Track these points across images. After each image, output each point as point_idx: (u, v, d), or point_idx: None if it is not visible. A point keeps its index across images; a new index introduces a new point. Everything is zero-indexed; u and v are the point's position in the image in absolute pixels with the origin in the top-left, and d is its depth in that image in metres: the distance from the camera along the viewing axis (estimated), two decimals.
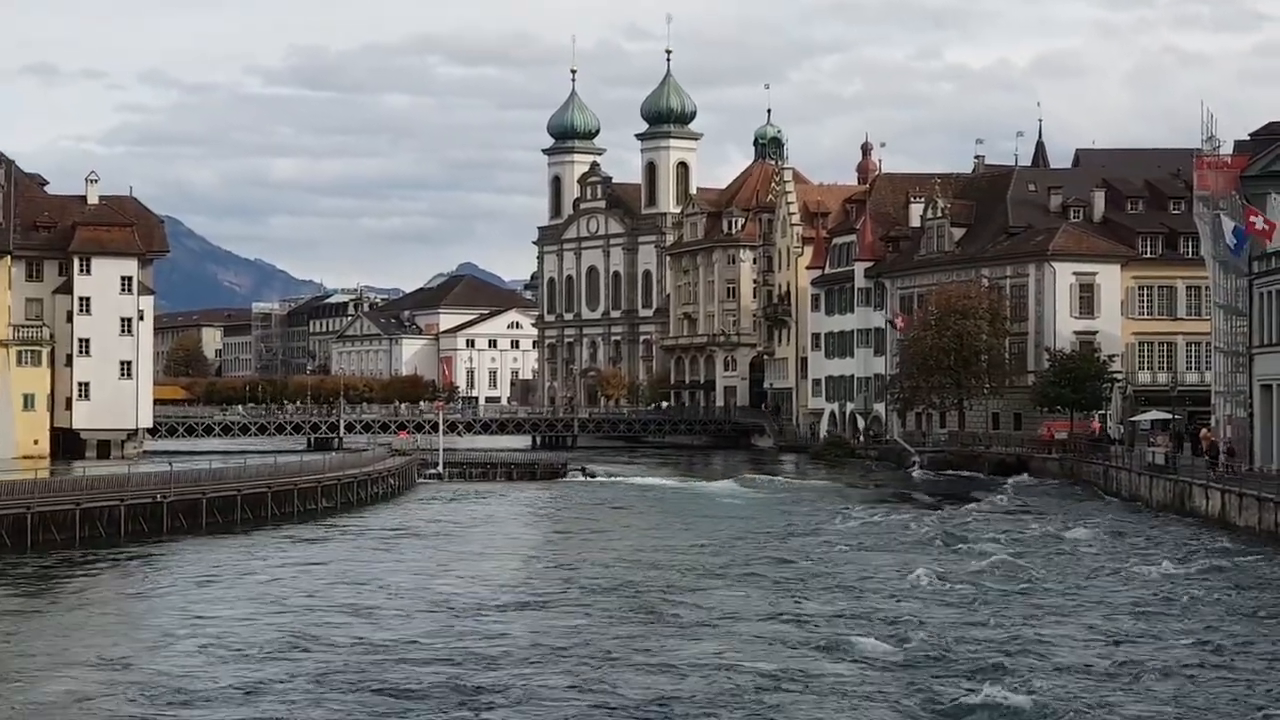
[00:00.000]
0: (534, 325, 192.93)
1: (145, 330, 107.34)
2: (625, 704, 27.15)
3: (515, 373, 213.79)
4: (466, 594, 40.85)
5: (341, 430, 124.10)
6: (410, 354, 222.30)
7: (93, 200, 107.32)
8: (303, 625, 35.56)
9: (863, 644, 32.10)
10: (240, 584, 43.19)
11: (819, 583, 42.38)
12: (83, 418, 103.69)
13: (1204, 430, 74.05)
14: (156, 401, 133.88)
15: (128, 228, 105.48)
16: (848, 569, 45.50)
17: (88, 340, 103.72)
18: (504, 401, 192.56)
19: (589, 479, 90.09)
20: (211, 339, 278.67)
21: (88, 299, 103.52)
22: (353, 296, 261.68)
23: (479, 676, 29.43)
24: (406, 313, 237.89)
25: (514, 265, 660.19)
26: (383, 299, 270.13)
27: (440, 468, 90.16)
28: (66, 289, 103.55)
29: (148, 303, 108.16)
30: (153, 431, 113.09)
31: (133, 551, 50.81)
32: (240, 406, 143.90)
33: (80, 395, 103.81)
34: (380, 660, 31.18)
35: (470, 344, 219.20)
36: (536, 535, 60.74)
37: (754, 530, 57.85)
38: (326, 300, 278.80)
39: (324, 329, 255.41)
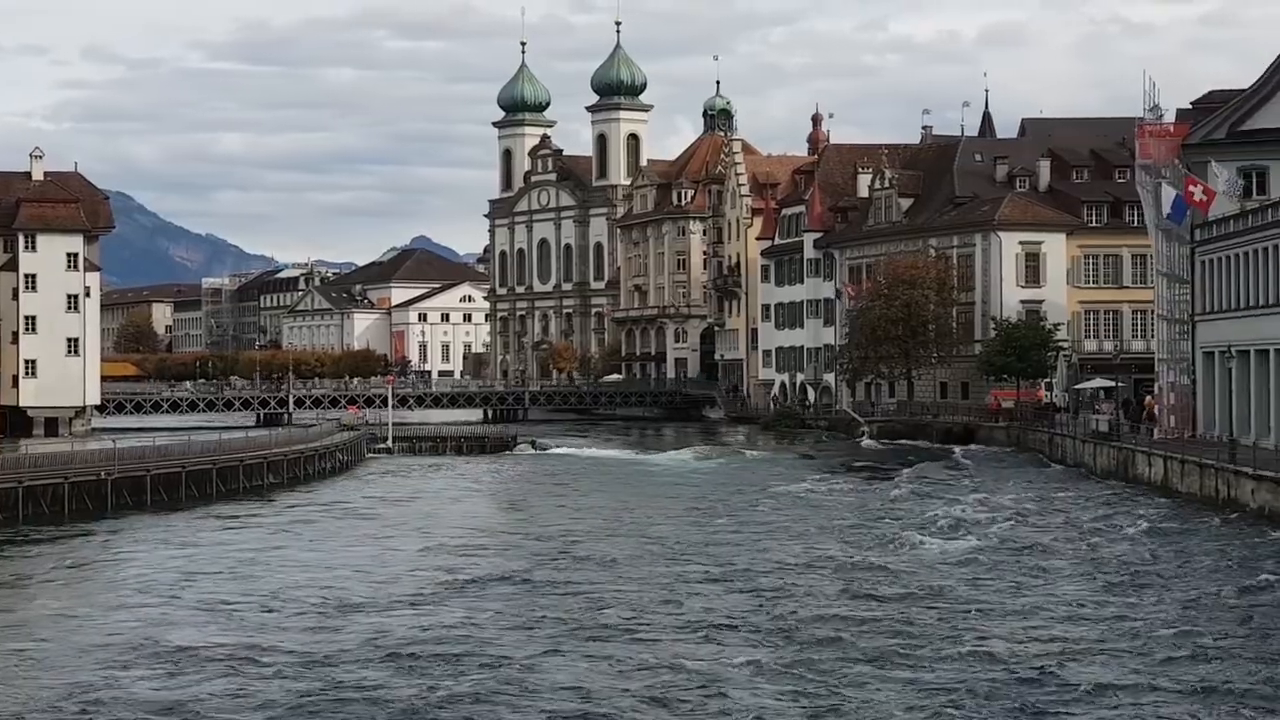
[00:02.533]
0: (486, 299, 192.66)
1: (92, 307, 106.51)
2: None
3: (468, 346, 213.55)
4: (365, 579, 39.27)
5: (291, 406, 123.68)
6: (362, 328, 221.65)
7: (37, 176, 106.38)
8: (223, 605, 35.36)
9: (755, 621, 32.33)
10: (171, 562, 42.83)
11: (741, 559, 42.61)
12: (30, 395, 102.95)
13: (1148, 398, 74.73)
14: (107, 378, 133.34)
15: (73, 204, 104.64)
16: (773, 545, 45.66)
17: (34, 317, 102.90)
18: (457, 375, 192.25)
19: (539, 452, 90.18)
20: (162, 315, 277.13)
21: (33, 276, 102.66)
22: (303, 271, 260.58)
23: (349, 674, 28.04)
24: (358, 287, 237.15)
25: (468, 238, 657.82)
26: (334, 273, 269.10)
27: (389, 442, 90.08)
28: (12, 266, 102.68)
29: (94, 279, 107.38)
30: (101, 409, 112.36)
31: (77, 529, 50.62)
32: (188, 383, 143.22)
33: (27, 373, 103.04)
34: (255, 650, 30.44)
35: (422, 318, 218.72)
36: (471, 510, 58.99)
37: (681, 506, 57.43)
38: (277, 275, 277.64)
39: (275, 304, 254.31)
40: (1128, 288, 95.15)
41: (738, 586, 36.58)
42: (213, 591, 37.38)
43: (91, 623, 33.56)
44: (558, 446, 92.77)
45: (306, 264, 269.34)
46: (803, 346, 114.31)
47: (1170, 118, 71.56)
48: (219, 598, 36.38)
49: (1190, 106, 73.82)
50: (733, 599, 34.91)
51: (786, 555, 41.86)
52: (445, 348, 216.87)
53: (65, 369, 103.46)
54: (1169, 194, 66.11)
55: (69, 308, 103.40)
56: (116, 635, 31.77)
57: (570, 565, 40.89)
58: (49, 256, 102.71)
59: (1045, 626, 31.32)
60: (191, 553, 45.06)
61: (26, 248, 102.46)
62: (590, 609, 33.69)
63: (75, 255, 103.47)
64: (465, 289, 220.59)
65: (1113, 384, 79.10)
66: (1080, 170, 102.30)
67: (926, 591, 35.50)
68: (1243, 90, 69.99)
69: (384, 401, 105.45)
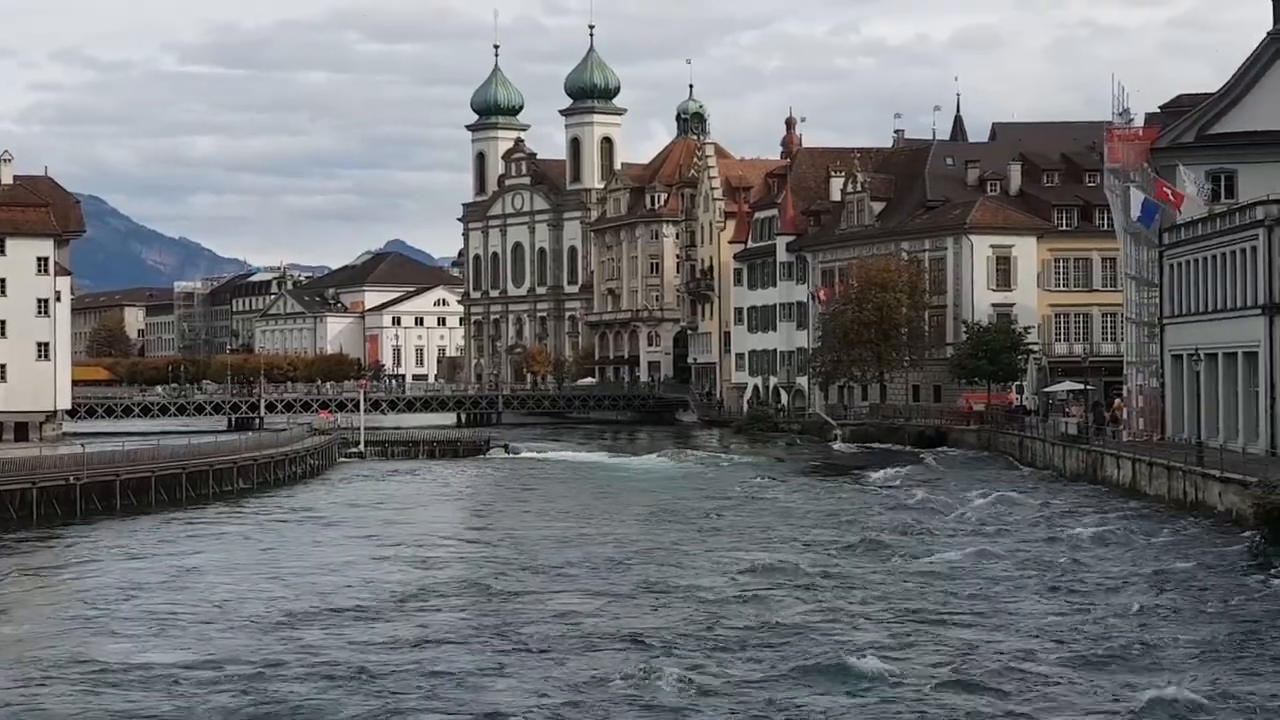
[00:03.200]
0: (460, 302, 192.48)
1: (63, 311, 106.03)
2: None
3: (442, 350, 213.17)
4: (313, 589, 38.58)
5: (262, 410, 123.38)
6: (335, 332, 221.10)
7: (6, 180, 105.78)
8: (167, 616, 35.01)
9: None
10: (124, 571, 42.38)
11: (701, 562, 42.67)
12: None
13: (1117, 400, 75.01)
14: (79, 382, 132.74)
15: (43, 208, 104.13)
16: (735, 553, 45.74)
17: (4, 322, 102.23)
18: (431, 379, 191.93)
19: (511, 455, 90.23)
20: (134, 319, 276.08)
21: (3, 280, 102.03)
22: (276, 275, 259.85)
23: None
24: (331, 290, 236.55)
25: (443, 242, 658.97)
26: (307, 277, 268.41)
27: (361, 446, 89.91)
28: None
29: (64, 283, 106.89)
30: (72, 413, 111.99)
31: (44, 534, 50.41)
32: (160, 387, 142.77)
33: None
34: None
35: (396, 321, 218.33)
36: (434, 516, 58.02)
37: (646, 511, 57.22)
38: (250, 279, 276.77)
39: (247, 308, 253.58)
40: (1097, 291, 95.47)
41: (691, 596, 35.93)
42: (158, 602, 36.83)
43: (35, 633, 33.38)
44: (530, 450, 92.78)
45: (279, 267, 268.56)
46: (776, 350, 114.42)
47: (1141, 121, 71.91)
48: (164, 608, 35.89)
49: (1159, 110, 74.10)
50: (684, 609, 34.35)
51: (745, 562, 41.47)
52: (419, 351, 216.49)
53: (35, 373, 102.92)
54: (1137, 198, 66.37)
55: (39, 312, 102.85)
56: (53, 646, 31.49)
57: (525, 575, 39.98)
58: (18, 260, 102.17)
59: (1004, 634, 31.33)
60: (146, 561, 44.43)
61: None
62: (538, 621, 33.01)
63: (45, 259, 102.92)
64: (439, 293, 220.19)
65: (1081, 387, 79.40)
66: (1051, 174, 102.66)
67: (888, 600, 35.39)
68: (1211, 94, 70.30)
69: (356, 406, 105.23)
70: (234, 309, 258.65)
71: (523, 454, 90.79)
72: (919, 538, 46.65)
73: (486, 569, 41.70)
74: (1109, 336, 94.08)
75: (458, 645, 30.72)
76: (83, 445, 64.22)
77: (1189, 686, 25.81)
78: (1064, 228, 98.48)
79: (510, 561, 43.16)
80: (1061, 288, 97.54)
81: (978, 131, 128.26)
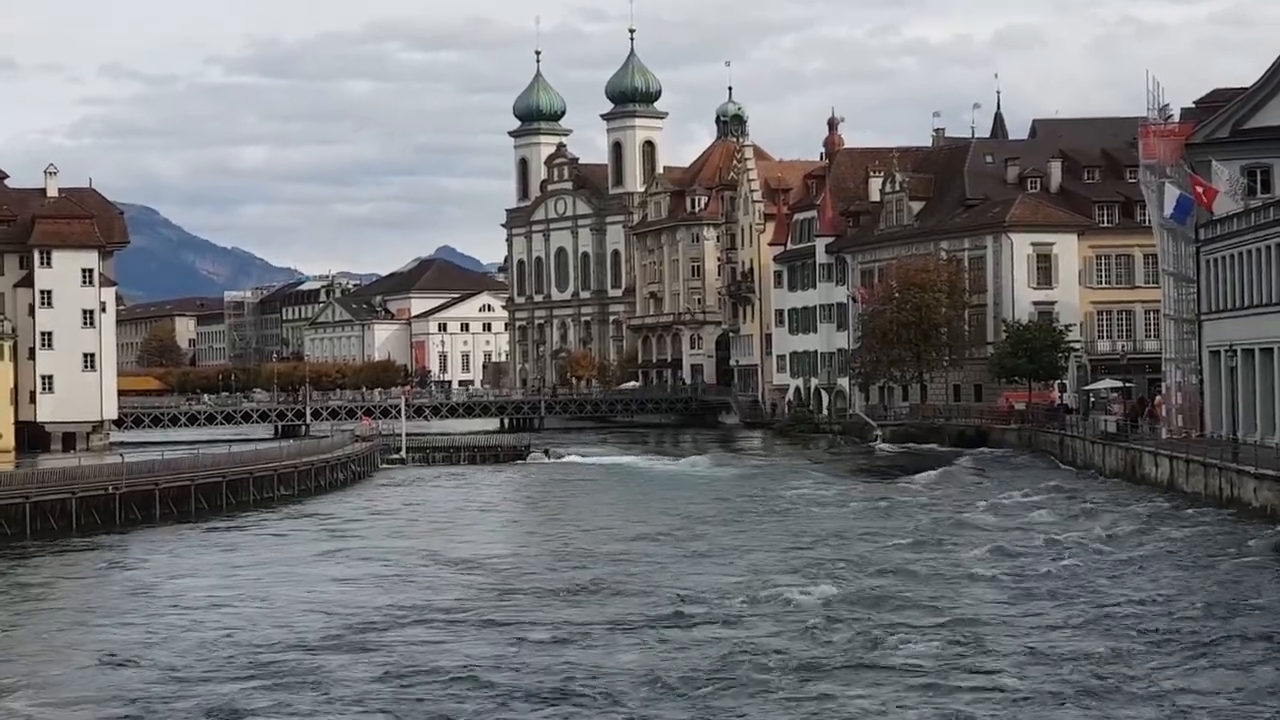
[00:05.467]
0: (505, 308, 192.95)
1: (108, 322, 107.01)
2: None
3: (488, 355, 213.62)
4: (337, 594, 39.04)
5: (308, 417, 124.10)
6: (382, 339, 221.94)
7: (52, 193, 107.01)
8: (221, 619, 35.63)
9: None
10: (160, 576, 43.05)
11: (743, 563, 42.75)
12: (47, 411, 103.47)
13: (1157, 398, 74.57)
14: (130, 392, 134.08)
15: (88, 220, 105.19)
16: (770, 557, 45.82)
17: (50, 333, 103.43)
18: (477, 385, 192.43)
19: (552, 460, 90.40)
20: (185, 329, 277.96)
21: (49, 292, 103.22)
22: (325, 283, 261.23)
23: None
24: (378, 298, 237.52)
25: (491, 248, 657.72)
26: (355, 285, 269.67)
27: (403, 452, 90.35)
28: (27, 282, 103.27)
29: (110, 294, 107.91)
30: (119, 423, 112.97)
31: (83, 544, 50.93)
32: (207, 396, 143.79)
33: (44, 388, 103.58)
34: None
35: (442, 328, 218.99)
36: (466, 525, 57.17)
37: (683, 516, 57.13)
38: (299, 287, 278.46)
39: (296, 316, 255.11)
40: (1140, 287, 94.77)
41: (724, 611, 34.90)
42: (191, 608, 37.42)
43: (69, 639, 33.89)
44: (571, 455, 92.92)
45: (328, 276, 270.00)
46: (816, 351, 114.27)
47: (1178, 117, 71.42)
48: (199, 613, 36.49)
49: (1194, 106, 73.61)
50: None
51: (778, 569, 41.38)
52: (465, 357, 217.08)
53: (82, 384, 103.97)
54: (1172, 193, 65.99)
55: (85, 323, 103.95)
56: (86, 651, 32.01)
57: (546, 593, 38.23)
58: (64, 272, 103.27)
59: (1046, 633, 31.36)
60: (181, 567, 45.33)
61: (42, 264, 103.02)
62: (555, 644, 31.59)
63: (90, 270, 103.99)
64: (485, 298, 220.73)
65: (1120, 384, 78.96)
66: (1091, 171, 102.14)
67: (932, 606, 34.95)
68: (1246, 89, 69.81)
69: (399, 412, 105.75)
70: (283, 317, 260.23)
71: (564, 458, 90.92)
72: (958, 539, 46.55)
73: (507, 583, 40.69)
74: (1152, 333, 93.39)
75: (475, 666, 29.75)
76: (121, 455, 64.85)
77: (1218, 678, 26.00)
78: (1105, 224, 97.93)
79: (533, 576, 42.52)
80: (1103, 285, 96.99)
81: (1018, 129, 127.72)
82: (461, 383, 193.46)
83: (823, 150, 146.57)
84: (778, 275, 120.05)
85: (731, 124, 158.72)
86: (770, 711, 25.26)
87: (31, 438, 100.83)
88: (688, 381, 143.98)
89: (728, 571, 40.15)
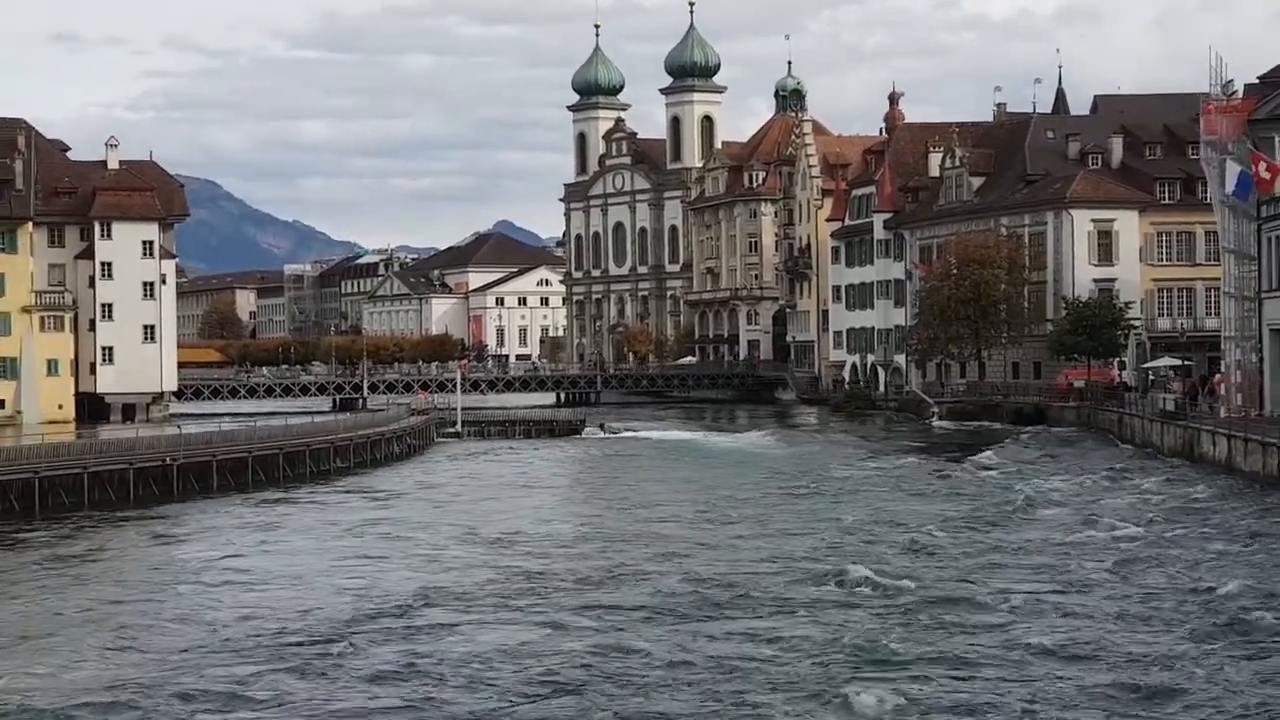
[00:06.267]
0: (562, 282, 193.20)
1: (168, 294, 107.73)
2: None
3: (545, 330, 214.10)
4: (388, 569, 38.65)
5: (365, 390, 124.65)
6: (440, 313, 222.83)
7: (113, 165, 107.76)
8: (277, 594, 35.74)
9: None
10: (195, 551, 43.14)
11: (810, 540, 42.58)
12: (107, 382, 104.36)
13: (1217, 376, 73.80)
14: (190, 364, 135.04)
15: (148, 192, 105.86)
16: (847, 523, 45.64)
17: (110, 305, 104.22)
18: (534, 359, 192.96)
19: (607, 435, 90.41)
20: (246, 301, 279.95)
21: (109, 264, 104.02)
22: (383, 257, 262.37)
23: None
24: (436, 272, 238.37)
25: (550, 222, 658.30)
26: (413, 258, 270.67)
27: (459, 426, 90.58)
28: (88, 254, 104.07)
29: (170, 266, 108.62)
30: (179, 394, 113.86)
31: (137, 515, 51.25)
32: (265, 368, 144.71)
33: (104, 360, 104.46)
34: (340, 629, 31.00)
35: (500, 302, 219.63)
36: (510, 499, 56.56)
37: (735, 492, 57.27)
38: (357, 261, 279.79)
39: (355, 289, 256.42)
40: (1201, 265, 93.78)
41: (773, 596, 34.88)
42: (245, 579, 37.52)
43: (128, 606, 34.15)
44: (626, 430, 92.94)
45: (387, 249, 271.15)
46: (873, 327, 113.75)
47: (1242, 93, 70.49)
48: (251, 584, 36.70)
49: (1257, 81, 72.65)
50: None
51: (828, 552, 41.01)
52: (522, 332, 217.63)
53: (142, 356, 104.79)
54: (1233, 170, 65.13)
55: (145, 295, 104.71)
56: (145, 620, 32.28)
57: (581, 576, 36.82)
58: (124, 244, 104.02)
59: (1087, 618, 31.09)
60: (235, 539, 45.39)
61: (103, 236, 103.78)
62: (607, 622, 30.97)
63: (150, 243, 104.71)
64: (542, 273, 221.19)
65: (1178, 362, 78.22)
66: (1153, 146, 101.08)
67: (997, 593, 34.35)
68: None
69: (455, 385, 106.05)
70: (342, 291, 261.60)
71: (619, 434, 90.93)
72: (1015, 519, 46.27)
73: (548, 561, 40.03)
74: (1213, 311, 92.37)
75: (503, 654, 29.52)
76: (179, 426, 65.27)
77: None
78: (1166, 201, 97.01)
79: (585, 548, 42.78)
80: (1164, 262, 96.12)
81: (1079, 105, 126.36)
82: (519, 357, 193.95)
83: (882, 125, 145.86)
84: (835, 251, 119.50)
85: (790, 98, 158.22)
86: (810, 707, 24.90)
87: (92, 409, 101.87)
88: (744, 357, 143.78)
89: (777, 554, 39.50)
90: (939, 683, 25.23)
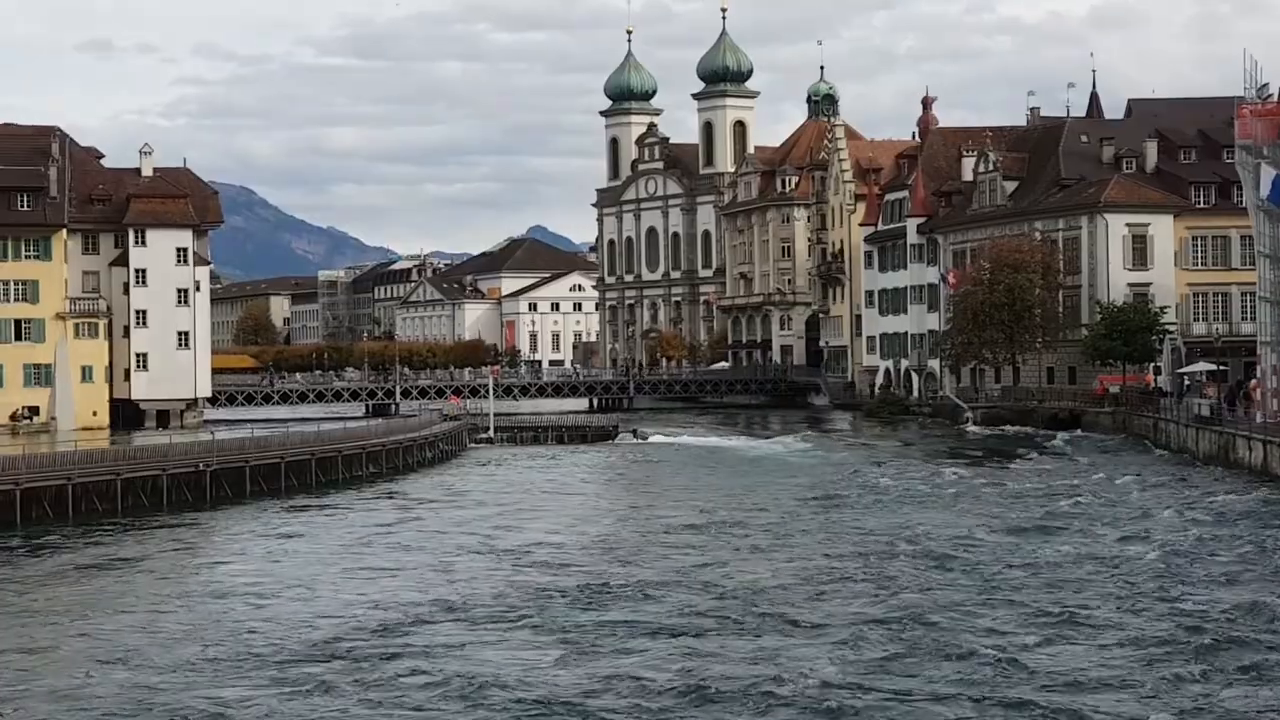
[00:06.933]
0: (595, 288, 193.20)
1: (202, 300, 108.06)
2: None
3: (578, 335, 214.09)
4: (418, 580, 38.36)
5: (398, 396, 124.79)
6: (473, 319, 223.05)
7: (147, 172, 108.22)
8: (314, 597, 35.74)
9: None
10: (213, 560, 43.21)
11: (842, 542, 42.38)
12: (141, 388, 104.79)
13: (1252, 381, 73.24)
14: (224, 370, 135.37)
15: (182, 199, 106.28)
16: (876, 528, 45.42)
17: (145, 311, 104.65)
18: (567, 364, 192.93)
19: (640, 441, 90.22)
20: (280, 307, 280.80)
21: (144, 271, 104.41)
22: (416, 263, 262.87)
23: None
24: (469, 278, 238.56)
25: (582, 228, 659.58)
26: (446, 264, 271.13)
27: (491, 431, 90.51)
28: (122, 261, 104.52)
29: (204, 273, 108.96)
30: (213, 401, 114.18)
31: (173, 521, 51.41)
32: (299, 374, 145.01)
33: (138, 366, 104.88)
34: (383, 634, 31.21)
35: (532, 307, 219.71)
36: (539, 506, 56.13)
37: (765, 500, 57.16)
38: (391, 267, 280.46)
39: (389, 295, 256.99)
40: (1237, 270, 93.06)
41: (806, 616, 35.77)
42: (282, 586, 37.65)
43: (166, 613, 34.17)
44: (659, 435, 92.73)
45: (420, 255, 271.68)
46: (906, 332, 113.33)
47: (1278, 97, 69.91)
48: (287, 590, 36.77)
49: None
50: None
51: (858, 562, 40.98)
52: (555, 337, 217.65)
53: (176, 362, 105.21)
54: (1268, 174, 64.66)
55: (179, 301, 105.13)
56: (183, 626, 32.35)
57: (600, 588, 36.28)
58: (159, 251, 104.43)
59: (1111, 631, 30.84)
60: (270, 545, 45.54)
61: (137, 243, 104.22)
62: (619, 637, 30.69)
63: (185, 250, 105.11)
64: (575, 278, 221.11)
65: (1213, 368, 77.71)
66: (1188, 151, 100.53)
67: (1031, 603, 34.25)
68: None
69: (487, 391, 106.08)
70: (375, 296, 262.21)
71: (652, 439, 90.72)
72: (1051, 529, 46.00)
73: (571, 574, 39.59)
74: (1249, 316, 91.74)
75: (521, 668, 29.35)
76: (213, 432, 65.43)
77: None
78: (1201, 205, 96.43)
79: (607, 559, 42.39)
80: (1200, 267, 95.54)
81: (1114, 109, 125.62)
82: (552, 362, 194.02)
83: (915, 130, 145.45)
84: (868, 256, 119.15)
85: (823, 103, 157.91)
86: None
87: (126, 415, 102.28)
88: (776, 362, 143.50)
89: (807, 570, 39.02)
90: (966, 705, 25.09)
